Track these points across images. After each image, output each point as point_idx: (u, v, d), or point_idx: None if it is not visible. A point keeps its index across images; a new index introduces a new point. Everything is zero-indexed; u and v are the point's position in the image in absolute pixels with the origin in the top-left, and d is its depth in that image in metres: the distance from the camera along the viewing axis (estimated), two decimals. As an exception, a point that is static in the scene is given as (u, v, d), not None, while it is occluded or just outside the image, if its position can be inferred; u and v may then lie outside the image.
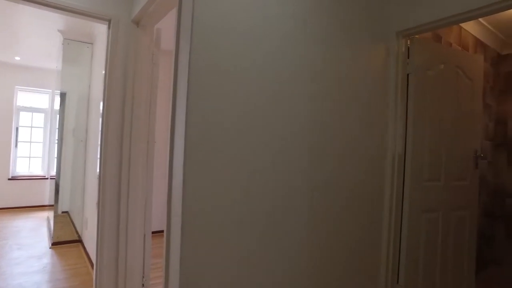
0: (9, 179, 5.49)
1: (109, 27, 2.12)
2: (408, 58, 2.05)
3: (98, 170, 2.16)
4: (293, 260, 1.55)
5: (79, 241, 3.74)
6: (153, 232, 2.33)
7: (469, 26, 2.88)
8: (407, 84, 2.05)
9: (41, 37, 3.98)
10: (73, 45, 3.75)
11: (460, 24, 2.77)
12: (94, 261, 2.23)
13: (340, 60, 1.73)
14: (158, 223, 2.86)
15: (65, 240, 3.68)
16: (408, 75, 2.04)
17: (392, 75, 2.01)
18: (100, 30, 3.21)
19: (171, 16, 1.60)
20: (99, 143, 2.16)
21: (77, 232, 3.80)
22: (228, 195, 1.32)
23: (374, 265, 1.98)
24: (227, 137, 1.31)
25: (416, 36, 2.05)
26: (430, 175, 2.13)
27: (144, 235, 2.20)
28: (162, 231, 2.22)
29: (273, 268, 1.47)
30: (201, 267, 1.26)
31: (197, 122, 1.23)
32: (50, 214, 4.30)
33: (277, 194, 1.48)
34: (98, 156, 2.17)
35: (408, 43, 2.05)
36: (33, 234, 4.07)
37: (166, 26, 2.27)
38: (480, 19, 2.88)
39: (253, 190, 1.39)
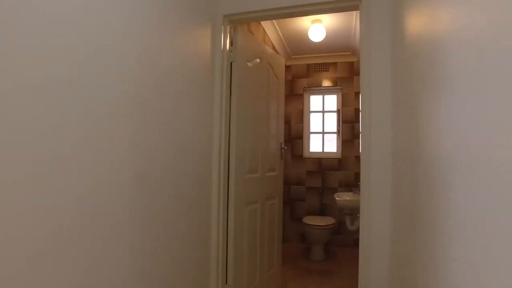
0: None
1: None
2: (232, 45, 1.98)
3: None
4: (114, 266, 1.10)
5: None
6: None
7: (270, 33, 3.22)
8: (231, 73, 1.97)
9: None
10: None
11: (264, 29, 3.03)
12: None
13: (165, 43, 1.40)
14: None
15: None
16: (232, 63, 1.97)
17: (218, 61, 1.87)
18: None
19: None
20: None
21: None
22: None
23: (204, 268, 1.77)
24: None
25: (239, 25, 2.01)
26: (250, 168, 2.15)
27: None
28: None
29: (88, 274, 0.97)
30: None
31: None
32: None
33: (88, 193, 0.99)
34: None
35: (232, 31, 1.99)
36: None
37: None
38: (278, 30, 3.28)
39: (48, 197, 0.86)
